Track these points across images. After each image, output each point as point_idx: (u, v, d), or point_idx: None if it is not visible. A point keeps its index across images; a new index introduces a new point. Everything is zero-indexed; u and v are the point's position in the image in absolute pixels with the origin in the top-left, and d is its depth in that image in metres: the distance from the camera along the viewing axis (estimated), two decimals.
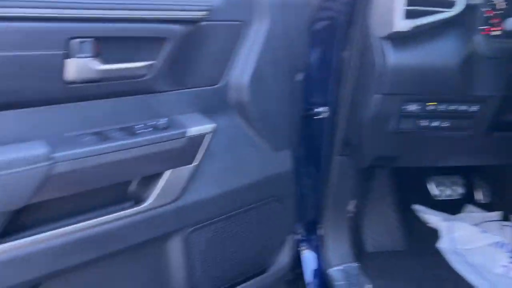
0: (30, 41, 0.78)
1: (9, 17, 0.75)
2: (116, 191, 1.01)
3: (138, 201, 1.03)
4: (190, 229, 1.14)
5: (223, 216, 1.19)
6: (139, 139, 0.94)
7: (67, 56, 0.83)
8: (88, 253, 0.96)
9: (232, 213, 1.21)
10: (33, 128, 0.85)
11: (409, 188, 1.88)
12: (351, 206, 1.60)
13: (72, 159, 0.85)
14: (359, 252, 1.62)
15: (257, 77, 1.15)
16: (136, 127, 0.97)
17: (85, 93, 0.90)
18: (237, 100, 1.16)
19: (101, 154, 0.88)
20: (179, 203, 1.08)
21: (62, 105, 0.89)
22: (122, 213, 0.99)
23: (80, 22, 0.82)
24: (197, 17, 0.96)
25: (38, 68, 0.81)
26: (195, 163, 1.07)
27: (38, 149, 0.80)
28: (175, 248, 1.13)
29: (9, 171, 0.77)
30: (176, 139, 0.99)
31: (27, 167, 0.79)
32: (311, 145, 1.54)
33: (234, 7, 1.08)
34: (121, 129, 0.96)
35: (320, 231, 1.59)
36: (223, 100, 1.15)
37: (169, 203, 1.06)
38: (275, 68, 1.20)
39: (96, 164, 0.89)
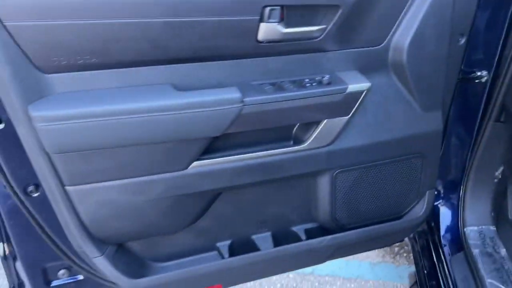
0: (234, 8, 1.00)
1: None
2: (283, 131, 1.23)
3: (298, 141, 1.25)
4: (338, 170, 1.32)
5: (368, 164, 1.35)
6: (306, 91, 1.12)
7: (260, 20, 1.03)
8: (257, 176, 1.22)
9: (376, 163, 1.36)
10: (229, 76, 1.10)
11: None
12: (497, 172, 1.61)
13: (256, 104, 1.08)
14: (498, 217, 1.64)
15: (417, 39, 1.22)
16: (305, 80, 1.16)
17: (269, 51, 1.11)
18: (395, 61, 1.26)
19: (277, 102, 1.10)
20: (332, 147, 1.27)
21: (251, 59, 1.11)
22: (285, 149, 1.22)
23: None
24: None
25: (238, 30, 1.03)
26: (349, 115, 1.23)
27: (233, 94, 1.05)
28: (323, 184, 1.34)
29: (213, 108, 1.03)
30: (336, 94, 1.16)
31: (226, 107, 1.04)
32: (465, 108, 1.56)
33: None
34: (293, 81, 1.15)
35: (461, 191, 1.65)
36: (382, 60, 1.26)
37: (323, 147, 1.25)
38: (436, 31, 1.25)
39: (273, 109, 1.11)
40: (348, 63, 1.23)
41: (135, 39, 0.97)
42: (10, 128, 0.99)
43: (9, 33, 0.88)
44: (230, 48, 1.07)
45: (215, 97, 1.03)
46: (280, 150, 1.21)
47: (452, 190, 1.67)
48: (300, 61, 1.17)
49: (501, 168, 1.62)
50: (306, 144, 1.23)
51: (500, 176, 1.62)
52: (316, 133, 1.22)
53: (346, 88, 1.16)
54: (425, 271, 1.66)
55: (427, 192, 1.49)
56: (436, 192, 1.60)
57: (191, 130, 1.05)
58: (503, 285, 1.44)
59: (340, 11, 1.09)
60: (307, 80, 1.16)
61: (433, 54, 1.28)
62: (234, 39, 1.05)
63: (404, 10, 1.20)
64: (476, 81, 1.45)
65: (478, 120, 1.52)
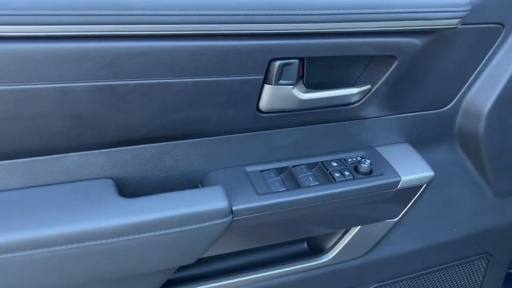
0: (228, 64, 0.57)
1: (205, 34, 0.53)
2: (295, 242, 0.80)
3: (318, 251, 0.82)
4: (374, 286, 0.90)
5: (413, 274, 0.92)
6: (336, 190, 0.69)
7: (265, 80, 0.61)
8: None
9: (426, 271, 0.93)
10: (218, 156, 0.67)
11: None
12: None
13: (253, 215, 0.65)
14: None
15: (504, 100, 0.80)
16: (331, 165, 0.73)
17: (277, 123, 0.68)
18: (466, 130, 0.84)
19: (286, 209, 0.67)
20: (367, 258, 0.84)
21: (247, 134, 0.69)
22: (299, 266, 0.79)
23: (283, 38, 0.57)
24: (450, 24, 0.64)
25: (228, 95, 0.60)
26: (398, 218, 0.80)
27: (215, 201, 0.61)
28: None
29: (180, 229, 0.60)
30: (383, 190, 0.73)
31: (202, 224, 0.61)
32: None
33: (495, 5, 0.72)
34: (312, 165, 0.72)
35: None
36: (446, 128, 0.84)
37: (355, 259, 0.83)
38: None
39: (279, 219, 0.68)
40: (394, 132, 0.80)
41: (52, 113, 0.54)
42: None
43: None
44: (223, 119, 0.64)
45: (183, 210, 0.60)
46: (291, 268, 0.78)
47: None
48: (322, 131, 0.74)
49: None
50: (330, 257, 0.81)
51: None
52: (345, 242, 0.80)
53: (398, 182, 0.74)
54: None
55: None
56: None
57: (144, 263, 0.62)
58: None
59: (395, 65, 0.66)
60: (334, 164, 0.73)
61: None
62: (220, 108, 0.62)
63: (484, 61, 0.77)
64: None
65: None
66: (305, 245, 0.85)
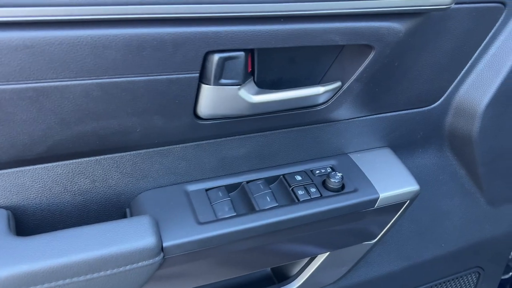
0: (145, 59, 0.42)
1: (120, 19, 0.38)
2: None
3: (282, 279, 0.69)
4: None
5: None
6: (298, 214, 0.56)
7: (201, 79, 0.46)
8: None
9: None
10: (150, 173, 0.53)
11: None
12: None
13: (191, 251, 0.51)
14: None
15: (501, 98, 0.66)
16: (294, 179, 0.59)
17: (224, 131, 0.54)
18: (457, 130, 0.71)
19: (236, 241, 0.53)
20: (341, 283, 0.71)
21: (192, 143, 0.54)
22: None
23: (222, 24, 0.42)
24: (442, 4, 0.49)
25: (157, 99, 0.46)
26: (376, 240, 0.67)
27: (145, 239, 0.47)
28: None
29: (99, 274, 0.46)
30: (357, 211, 0.60)
31: (130, 267, 0.47)
32: None
33: None
34: (271, 181, 0.59)
35: None
36: (433, 129, 0.71)
37: (328, 285, 0.70)
38: None
39: (229, 251, 0.54)
40: (372, 136, 0.67)
41: None
42: None
43: None
44: (135, 131, 0.49)
45: (97, 252, 0.45)
46: None
47: None
48: (284, 138, 0.60)
49: None
50: (297, 285, 0.67)
51: None
52: (315, 267, 0.67)
53: (376, 200, 0.60)
54: None
55: None
56: None
57: None
58: None
59: (371, 56, 0.52)
60: (298, 178, 0.60)
61: None
62: (143, 115, 0.47)
63: (480, 49, 0.64)
64: None
65: None
66: (269, 269, 0.72)
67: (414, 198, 0.63)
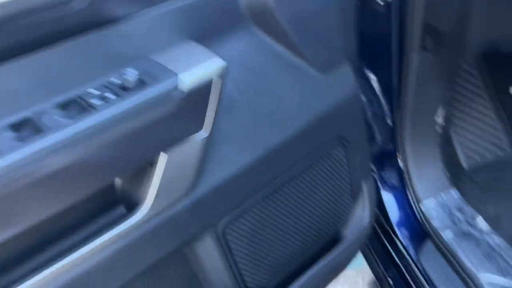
0: None
1: None
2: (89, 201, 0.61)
3: (129, 206, 0.65)
4: (224, 222, 0.75)
5: (266, 189, 0.79)
6: (96, 120, 0.51)
7: None
8: None
9: (278, 181, 0.81)
10: None
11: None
12: (439, 118, 1.16)
13: None
14: (454, 175, 1.21)
15: None
16: (87, 93, 0.54)
17: None
18: (254, 6, 0.70)
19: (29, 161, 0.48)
20: (197, 193, 0.69)
21: None
22: (112, 236, 0.61)
23: None
24: None
25: None
26: (206, 128, 0.65)
27: None
28: (206, 253, 0.76)
29: None
30: (164, 100, 0.57)
31: None
32: (375, 48, 1.07)
33: None
34: (61, 106, 0.54)
35: (399, 159, 1.18)
36: (231, 10, 0.70)
37: (180, 199, 0.67)
38: None
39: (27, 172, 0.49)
40: (167, 31, 0.64)
41: None
42: None
43: None
44: None
45: None
46: (100, 242, 0.60)
47: (387, 163, 1.20)
48: (63, 52, 0.55)
49: (441, 111, 1.17)
50: (144, 208, 0.64)
51: (442, 122, 1.18)
52: (155, 183, 0.63)
53: (176, 84, 0.57)
54: (389, 281, 1.19)
55: (364, 186, 0.99)
56: (374, 180, 1.11)
57: None
58: (501, 275, 1.01)
59: None
60: (91, 90, 0.55)
61: None
62: None
63: None
64: (381, 2, 0.95)
65: (397, 57, 1.03)
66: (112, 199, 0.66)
67: (222, 74, 0.61)
